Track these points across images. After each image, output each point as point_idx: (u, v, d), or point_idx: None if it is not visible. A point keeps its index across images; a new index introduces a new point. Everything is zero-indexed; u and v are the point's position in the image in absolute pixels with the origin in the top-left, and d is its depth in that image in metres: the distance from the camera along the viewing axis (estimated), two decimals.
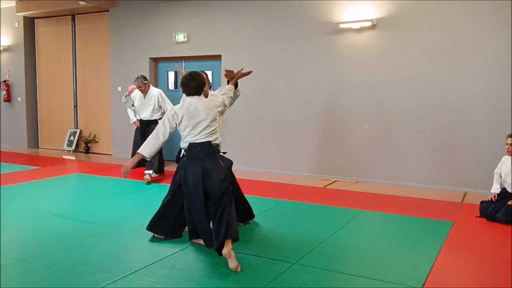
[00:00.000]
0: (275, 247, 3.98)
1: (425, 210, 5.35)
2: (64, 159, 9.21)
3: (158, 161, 6.98)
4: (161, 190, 6.23)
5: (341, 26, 6.85)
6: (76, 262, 3.57)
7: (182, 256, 3.74)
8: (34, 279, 3.26)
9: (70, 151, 10.04)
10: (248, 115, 7.84)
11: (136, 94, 7.07)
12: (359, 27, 6.76)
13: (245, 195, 4.66)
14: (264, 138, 7.73)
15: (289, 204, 5.52)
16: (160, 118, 6.86)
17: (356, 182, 6.99)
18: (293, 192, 6.24)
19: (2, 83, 10.75)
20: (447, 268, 3.56)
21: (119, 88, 9.19)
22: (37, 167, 8.02)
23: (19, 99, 10.69)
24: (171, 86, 8.91)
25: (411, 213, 5.18)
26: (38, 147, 10.77)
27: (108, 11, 9.21)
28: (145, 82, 6.91)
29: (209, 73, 8.40)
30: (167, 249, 3.87)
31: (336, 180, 7.08)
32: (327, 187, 6.68)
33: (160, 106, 7.03)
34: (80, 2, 8.79)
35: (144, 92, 6.97)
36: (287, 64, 7.45)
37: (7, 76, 10.82)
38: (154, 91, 7.05)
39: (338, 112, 7.11)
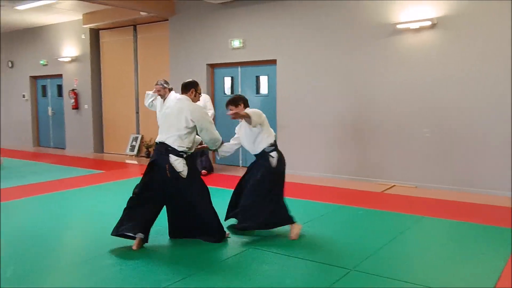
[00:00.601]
0: (331, 252, 3.95)
1: (491, 216, 5.09)
2: (126, 163, 9.62)
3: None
4: (219, 193, 6.36)
5: (399, 26, 6.68)
6: (139, 263, 3.72)
7: (240, 259, 3.79)
8: (99, 278, 3.44)
9: (133, 155, 10.47)
10: (303, 118, 7.82)
11: (158, 100, 6.71)
12: (418, 27, 6.56)
13: (301, 199, 4.64)
14: (319, 142, 7.67)
15: (346, 209, 5.45)
16: None
17: (416, 187, 6.77)
18: (349, 196, 6.15)
19: (70, 91, 11.43)
20: None
21: (178, 95, 9.45)
22: (102, 171, 8.43)
23: (86, 106, 11.31)
24: (227, 91, 9.06)
25: (476, 219, 4.95)
26: (103, 152, 11.32)
27: (168, 20, 9.54)
28: (165, 86, 6.53)
29: (264, 78, 8.53)
30: (226, 250, 3.93)
31: (394, 185, 6.90)
32: (385, 191, 6.52)
33: None
34: (141, 13, 9.18)
35: (164, 98, 6.59)
36: (344, 68, 7.36)
37: (75, 85, 11.47)
38: (172, 97, 6.48)
39: (397, 115, 6.93)
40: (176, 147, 4.06)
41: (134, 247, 4.02)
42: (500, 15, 6.01)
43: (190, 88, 4.32)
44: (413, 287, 3.23)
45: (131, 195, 4.21)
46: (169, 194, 4.15)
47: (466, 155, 6.40)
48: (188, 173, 4.10)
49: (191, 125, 4.13)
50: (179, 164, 4.06)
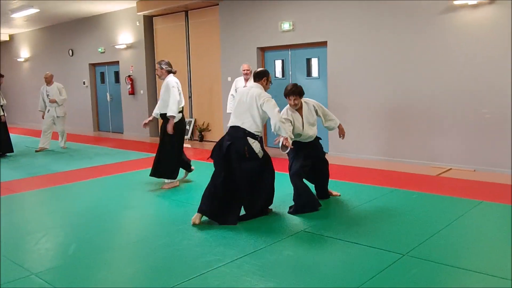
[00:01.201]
0: (384, 237, 3.91)
1: None
2: None
3: None
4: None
5: (456, 2, 6.36)
6: (191, 244, 3.86)
7: (291, 242, 3.84)
8: (153, 258, 3.61)
9: (186, 139, 10.74)
10: (355, 101, 7.68)
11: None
12: (476, 2, 6.22)
13: (353, 182, 4.63)
14: (371, 124, 7.52)
15: (399, 193, 5.35)
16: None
17: (474, 170, 6.51)
18: (403, 180, 6.03)
19: (127, 77, 11.84)
20: None
21: (229, 78, 9.57)
22: None
23: (141, 92, 11.69)
24: (278, 74, 9.05)
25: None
26: (158, 136, 11.68)
27: (218, 5, 9.60)
28: (161, 67, 6.02)
29: (315, 60, 8.43)
30: (277, 235, 4.00)
31: (451, 168, 6.67)
32: (440, 175, 6.32)
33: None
34: None
35: (161, 78, 6.20)
36: (396, 48, 7.13)
37: (131, 71, 11.87)
38: (168, 79, 6.10)
39: (453, 96, 6.65)
40: (252, 131, 4.43)
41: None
42: None
43: (262, 77, 4.67)
44: (469, 275, 3.16)
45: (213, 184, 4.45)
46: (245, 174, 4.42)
47: None
48: (263, 154, 4.52)
49: (261, 111, 4.46)
50: (256, 146, 4.42)
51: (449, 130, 6.74)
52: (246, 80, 7.29)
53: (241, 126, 4.45)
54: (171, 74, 6.26)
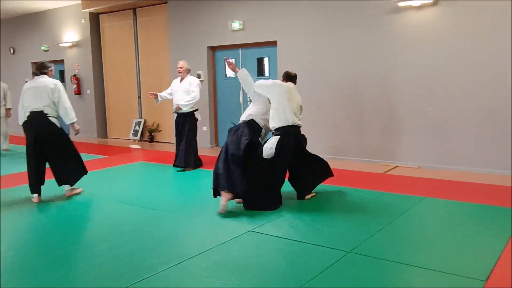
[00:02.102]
0: (330, 234, 3.92)
1: (494, 196, 5.03)
2: (129, 148, 9.63)
3: None
4: None
5: (400, 4, 6.54)
6: (135, 247, 3.72)
7: (238, 243, 3.78)
8: (95, 263, 3.45)
9: (136, 140, 10.47)
10: (308, 100, 7.69)
11: None
12: (419, 4, 6.41)
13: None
14: (321, 123, 7.60)
15: (347, 191, 5.41)
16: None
17: (419, 167, 6.71)
18: (351, 178, 6.11)
19: (72, 77, 11.40)
20: None
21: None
22: (105, 156, 8.45)
23: (88, 92, 11.29)
24: (229, 73, 8.98)
25: (478, 200, 4.90)
26: (106, 137, 11.34)
27: (167, 2, 9.42)
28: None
29: (266, 59, 8.43)
30: (223, 236, 3.92)
31: (397, 166, 6.84)
32: (387, 173, 6.47)
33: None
34: None
35: None
36: (344, 48, 7.25)
37: (76, 71, 11.44)
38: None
39: (398, 95, 6.83)
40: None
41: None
42: None
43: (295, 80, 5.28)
44: (411, 270, 3.21)
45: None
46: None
47: (470, 135, 6.31)
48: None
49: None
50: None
51: (395, 128, 6.91)
52: (181, 78, 6.94)
53: (296, 124, 4.94)
54: None
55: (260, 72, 8.53)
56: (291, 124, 4.86)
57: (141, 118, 10.62)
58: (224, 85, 9.08)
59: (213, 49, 9.07)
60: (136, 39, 10.43)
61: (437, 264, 3.26)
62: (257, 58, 8.51)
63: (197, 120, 7.01)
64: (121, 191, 5.72)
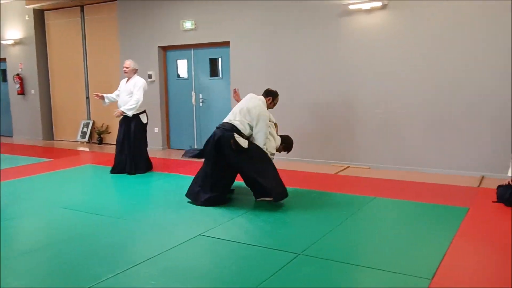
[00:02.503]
0: (280, 237, 3.89)
1: (440, 195, 5.18)
2: (77, 150, 9.25)
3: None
4: (168, 181, 6.20)
5: (351, 7, 6.63)
6: (80, 255, 3.53)
7: (187, 247, 3.67)
8: (37, 272, 3.24)
9: (84, 142, 10.09)
10: None
11: None
12: (369, 7, 6.54)
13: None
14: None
15: (299, 192, 5.41)
16: None
17: (369, 168, 6.83)
18: (303, 179, 6.13)
19: (15, 76, 10.84)
20: (459, 257, 3.41)
21: None
22: (50, 159, 8.07)
23: (32, 92, 10.77)
24: (181, 74, 8.81)
25: (425, 199, 5.02)
26: (53, 139, 10.86)
27: (116, 0, 9.14)
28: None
29: (218, 60, 8.33)
30: (172, 241, 3.80)
31: (348, 167, 6.94)
32: (339, 173, 6.54)
33: None
34: None
35: None
36: (296, 49, 7.28)
37: (20, 70, 10.89)
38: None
39: (349, 96, 6.93)
40: (241, 130, 4.84)
41: None
42: None
43: (268, 95, 5.21)
44: (360, 270, 3.22)
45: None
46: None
47: (418, 135, 6.49)
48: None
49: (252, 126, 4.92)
50: (242, 141, 4.74)
51: (347, 130, 7.01)
52: (128, 79, 6.65)
53: (231, 122, 4.85)
54: None
55: (213, 73, 8.43)
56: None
57: (90, 119, 10.24)
58: (176, 86, 8.91)
59: (164, 49, 8.88)
60: (84, 38, 10.05)
61: (385, 263, 3.29)
62: (210, 59, 8.41)
63: (145, 123, 6.67)
64: (65, 196, 5.45)
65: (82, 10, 9.95)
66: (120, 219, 4.46)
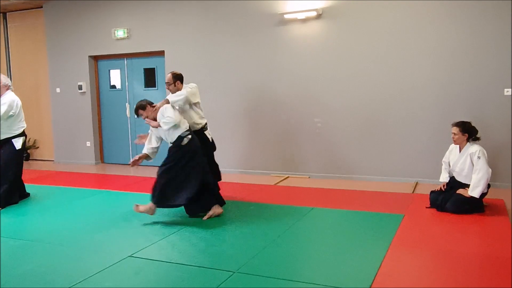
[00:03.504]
0: (216, 254, 3.70)
1: (376, 203, 5.22)
2: None
3: None
4: (101, 198, 5.84)
5: (286, 16, 6.63)
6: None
7: (114, 271, 3.39)
8: None
9: None
10: None
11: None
12: (304, 17, 6.56)
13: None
14: (216, 134, 7.40)
15: (236, 205, 5.25)
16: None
17: (309, 177, 6.81)
18: (241, 191, 5.98)
19: None
20: (396, 266, 3.39)
21: (58, 89, 8.65)
22: None
23: None
24: (115, 85, 8.44)
25: (362, 207, 5.03)
26: None
27: (42, 7, 8.62)
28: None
29: (153, 70, 8.05)
30: (99, 263, 3.50)
31: (288, 177, 6.88)
32: (278, 184, 6.46)
33: None
34: None
35: None
36: (232, 58, 7.16)
37: None
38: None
39: (286, 105, 6.89)
40: None
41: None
42: (384, 5, 6.18)
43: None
44: (296, 285, 3.10)
45: None
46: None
47: (353, 144, 6.55)
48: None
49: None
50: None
51: (285, 139, 6.96)
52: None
53: None
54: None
55: (148, 83, 8.13)
56: None
57: None
58: (109, 97, 8.51)
59: (95, 58, 8.47)
60: (7, 46, 9.39)
61: (321, 277, 3.19)
62: (144, 69, 8.11)
63: (17, 149, 5.53)
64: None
65: (4, 17, 9.30)
66: (40, 242, 4.07)
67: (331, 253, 3.68)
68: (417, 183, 6.18)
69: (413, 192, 5.75)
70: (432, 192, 5.02)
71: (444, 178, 5.05)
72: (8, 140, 5.45)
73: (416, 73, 6.11)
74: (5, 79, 5.58)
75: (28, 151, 9.24)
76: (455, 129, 4.80)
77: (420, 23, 6.02)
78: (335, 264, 3.45)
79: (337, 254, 3.66)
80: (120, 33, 7.91)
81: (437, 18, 5.93)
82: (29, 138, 9.25)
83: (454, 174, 4.96)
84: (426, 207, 4.94)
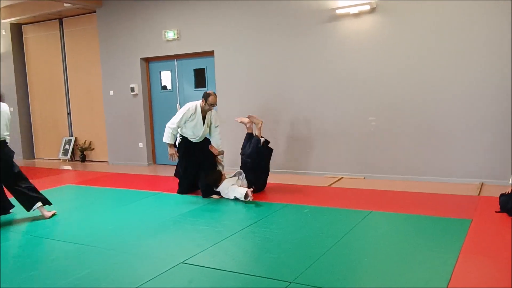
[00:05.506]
0: (270, 262, 3.53)
1: (440, 206, 4.87)
2: (57, 169, 8.85)
3: None
4: (154, 199, 5.84)
5: (338, 12, 6.36)
6: None
7: (168, 278, 3.31)
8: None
9: (66, 160, 9.69)
10: (244, 112, 7.36)
11: None
12: (357, 11, 6.26)
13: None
14: (266, 135, 7.26)
15: (290, 208, 5.07)
16: None
17: (364, 178, 6.51)
18: (295, 193, 5.79)
19: None
20: (468, 275, 3.08)
21: (111, 92, 8.81)
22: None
23: (11, 109, 10.33)
24: (165, 86, 8.49)
25: (425, 211, 4.70)
26: (34, 158, 10.44)
27: (95, 12, 8.81)
28: None
29: (203, 70, 8.00)
30: (151, 270, 3.43)
31: (342, 177, 6.62)
32: (332, 185, 6.21)
33: None
34: (65, 4, 8.41)
35: None
36: (283, 57, 6.98)
37: None
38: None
39: (339, 104, 6.63)
40: None
41: None
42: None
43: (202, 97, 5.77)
44: None
45: None
46: None
47: (412, 143, 6.20)
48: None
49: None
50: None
51: (339, 139, 6.70)
52: None
53: None
54: None
55: (198, 84, 8.10)
56: None
57: (72, 136, 9.84)
58: (160, 98, 8.57)
59: (147, 60, 8.55)
60: (64, 51, 9.69)
61: (388, 286, 2.95)
62: (194, 69, 8.08)
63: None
64: (37, 222, 5.05)
65: (60, 23, 9.60)
66: (93, 247, 4.06)
67: (395, 261, 3.42)
68: (482, 184, 5.74)
69: (479, 194, 5.33)
70: (502, 195, 4.62)
71: None
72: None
73: (474, 68, 5.67)
74: None
75: (84, 152, 9.48)
76: None
77: (480, 17, 5.58)
78: (400, 273, 3.19)
79: (402, 262, 3.40)
80: (170, 34, 7.92)
81: (496, 12, 5.47)
82: (85, 140, 9.53)
83: None
84: (496, 212, 4.55)
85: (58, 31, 9.67)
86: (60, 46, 9.70)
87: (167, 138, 5.89)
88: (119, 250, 3.95)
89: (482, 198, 5.11)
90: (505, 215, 4.45)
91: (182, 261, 3.59)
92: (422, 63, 6.00)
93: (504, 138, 5.58)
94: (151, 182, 7.12)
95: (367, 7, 6.16)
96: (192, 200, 5.68)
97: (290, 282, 3.11)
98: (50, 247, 4.14)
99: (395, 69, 6.18)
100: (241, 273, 3.32)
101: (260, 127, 5.94)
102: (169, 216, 4.93)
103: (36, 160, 10.23)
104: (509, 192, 4.56)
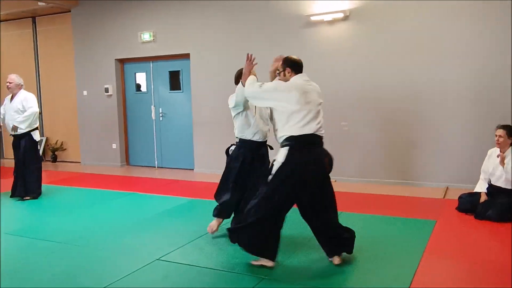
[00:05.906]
0: (245, 259, 3.61)
1: (405, 208, 5.09)
2: None
3: None
4: (127, 200, 5.86)
5: (313, 18, 6.55)
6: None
7: (144, 274, 3.36)
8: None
9: None
10: (220, 115, 7.45)
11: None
12: (331, 19, 6.47)
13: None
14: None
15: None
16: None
17: (335, 181, 6.69)
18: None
19: None
20: (430, 276, 3.26)
21: (85, 92, 8.76)
22: None
23: None
24: (141, 88, 8.50)
25: (391, 212, 4.91)
26: (2, 157, 10.22)
27: (70, 11, 8.75)
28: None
29: (178, 72, 8.06)
30: (128, 266, 3.48)
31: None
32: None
33: None
34: (39, 3, 8.32)
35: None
36: (259, 61, 7.08)
37: None
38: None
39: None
40: None
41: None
42: (412, 5, 6.05)
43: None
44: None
45: None
46: None
47: (380, 147, 6.43)
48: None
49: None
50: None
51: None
52: (12, 95, 6.03)
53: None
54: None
55: (174, 86, 8.15)
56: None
57: (43, 136, 9.70)
58: (135, 100, 8.57)
59: (122, 61, 8.54)
60: (36, 50, 9.56)
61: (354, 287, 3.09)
62: (170, 71, 8.13)
63: (36, 141, 6.06)
64: (11, 220, 5.01)
65: (34, 21, 9.47)
66: (68, 244, 4.08)
67: (361, 262, 3.56)
68: (447, 188, 6.01)
69: (444, 197, 5.59)
70: (461, 197, 4.93)
71: (482, 188, 4.84)
72: (28, 134, 5.96)
73: (451, 74, 5.94)
74: (18, 78, 6.00)
75: (55, 153, 9.37)
76: (501, 132, 4.63)
77: (453, 22, 5.86)
78: (365, 273, 3.34)
79: (367, 262, 3.55)
80: (146, 36, 7.95)
81: (471, 16, 5.76)
82: (56, 140, 9.42)
83: (493, 179, 4.74)
84: (456, 208, 4.89)
85: (31, 30, 9.53)
86: (33, 45, 9.57)
87: None
88: (94, 247, 3.99)
89: (447, 201, 5.35)
90: (467, 216, 4.70)
91: (157, 258, 3.66)
92: (394, 68, 6.23)
93: (470, 144, 5.85)
94: (125, 182, 7.12)
95: (341, 15, 6.36)
96: (168, 200, 5.73)
97: (263, 278, 3.22)
98: (23, 245, 4.12)
99: (367, 74, 6.40)
100: (215, 269, 3.41)
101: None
102: (145, 215, 4.98)
103: (5, 160, 10.02)
104: (482, 201, 4.74)
